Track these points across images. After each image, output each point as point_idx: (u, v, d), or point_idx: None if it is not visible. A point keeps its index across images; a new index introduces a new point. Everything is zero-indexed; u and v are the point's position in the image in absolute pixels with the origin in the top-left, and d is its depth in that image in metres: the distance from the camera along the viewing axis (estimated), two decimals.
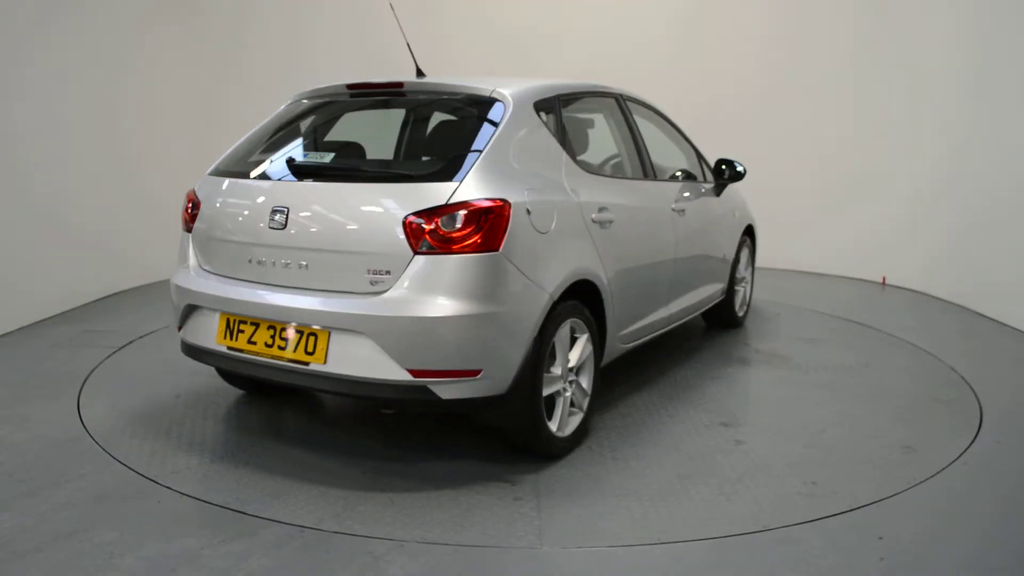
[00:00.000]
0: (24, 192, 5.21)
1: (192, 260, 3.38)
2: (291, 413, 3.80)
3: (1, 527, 2.68)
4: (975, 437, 3.64)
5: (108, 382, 4.18)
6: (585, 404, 3.44)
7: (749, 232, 5.56)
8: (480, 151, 3.02)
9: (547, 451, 3.25)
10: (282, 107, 3.67)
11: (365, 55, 3.98)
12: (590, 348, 3.42)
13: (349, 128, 3.58)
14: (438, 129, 3.26)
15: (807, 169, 7.27)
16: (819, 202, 7.23)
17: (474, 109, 3.27)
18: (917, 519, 2.89)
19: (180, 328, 3.39)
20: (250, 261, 3.14)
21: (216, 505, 2.86)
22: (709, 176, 4.90)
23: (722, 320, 5.41)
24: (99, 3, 5.94)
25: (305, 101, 3.63)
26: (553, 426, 3.22)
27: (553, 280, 3.08)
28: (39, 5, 5.31)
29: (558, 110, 3.49)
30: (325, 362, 2.92)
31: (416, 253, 2.84)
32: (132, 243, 6.20)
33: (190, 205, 3.41)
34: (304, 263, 3.01)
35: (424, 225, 2.83)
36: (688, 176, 4.71)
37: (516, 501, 2.94)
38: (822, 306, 6.16)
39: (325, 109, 3.60)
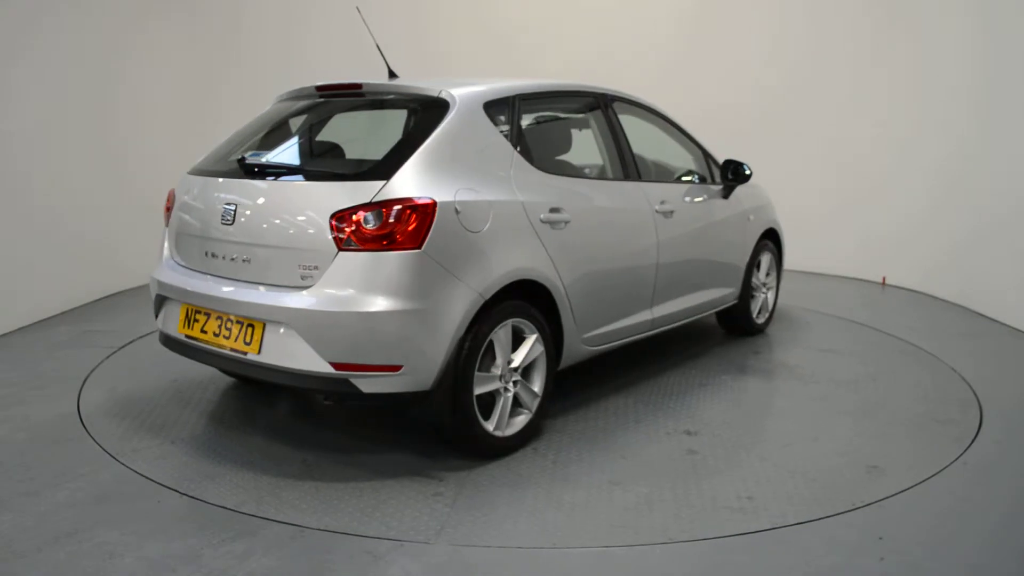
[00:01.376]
0: (21, 194, 5.20)
1: (166, 253, 3.60)
2: (271, 402, 3.95)
3: (1, 527, 2.70)
4: (975, 437, 3.60)
5: (108, 382, 4.19)
6: (535, 405, 3.43)
7: (772, 236, 5.34)
8: (414, 150, 3.08)
9: (483, 450, 3.26)
10: (267, 108, 3.85)
11: (358, 55, 4.09)
12: (540, 349, 3.41)
13: (320, 128, 3.71)
14: (384, 129, 3.34)
15: (811, 171, 7.27)
16: (823, 203, 7.18)
17: (421, 110, 3.33)
18: (917, 519, 2.86)
19: (157, 317, 3.62)
20: (206, 254, 3.32)
21: (216, 505, 2.86)
22: (718, 178, 4.75)
23: (738, 327, 5.22)
24: (92, 3, 5.90)
25: (284, 102, 3.80)
26: (490, 425, 3.23)
27: (484, 279, 3.09)
28: (30, 6, 5.24)
29: (515, 110, 3.48)
30: (260, 352, 3.05)
31: (340, 250, 2.92)
32: (129, 244, 6.07)
33: (168, 202, 3.64)
34: (247, 257, 3.15)
35: (348, 222, 2.91)
36: (697, 178, 4.59)
37: (435, 496, 2.97)
38: (850, 313, 5.97)
39: (300, 109, 3.74)
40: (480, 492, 3.01)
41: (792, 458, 3.35)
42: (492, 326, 3.17)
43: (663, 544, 2.66)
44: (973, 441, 3.54)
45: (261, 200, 3.17)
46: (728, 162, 4.73)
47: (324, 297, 2.91)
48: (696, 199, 4.49)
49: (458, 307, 3.02)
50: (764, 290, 5.34)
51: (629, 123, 4.32)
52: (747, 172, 4.70)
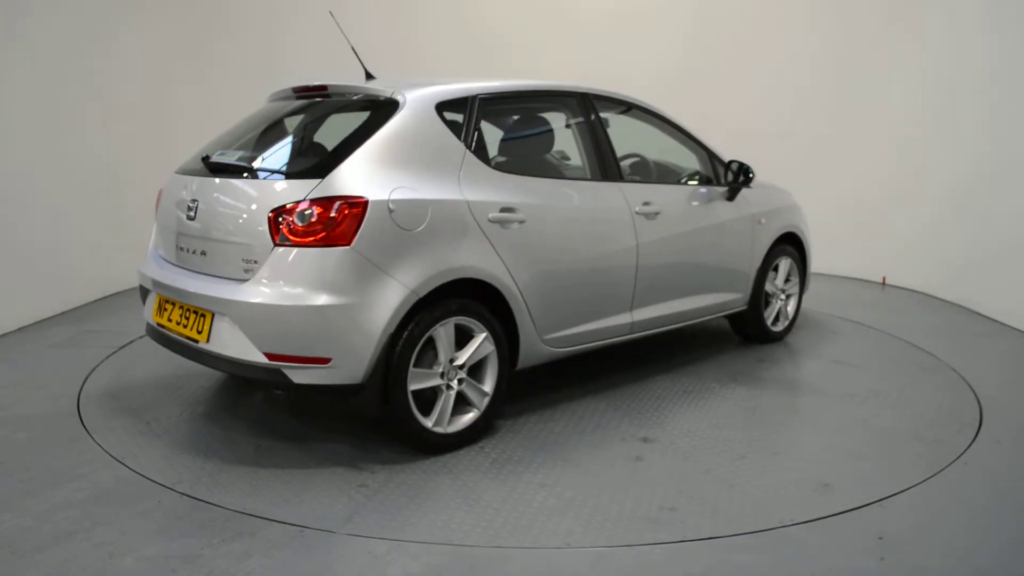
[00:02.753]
0: (19, 194, 5.19)
1: (151, 246, 3.84)
2: (263, 394, 4.07)
3: (1, 527, 2.70)
4: (975, 437, 3.59)
5: (108, 382, 4.21)
6: (484, 403, 3.44)
7: (792, 241, 5.10)
8: (354, 149, 3.16)
9: (421, 445, 3.30)
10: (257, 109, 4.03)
11: (349, 55, 4.21)
12: (490, 348, 3.41)
13: (291, 127, 3.84)
14: (336, 129, 3.43)
15: (817, 172, 7.14)
16: (828, 204, 6.96)
17: (372, 110, 3.40)
18: (918, 519, 2.87)
19: (144, 306, 3.86)
20: (177, 248, 3.52)
21: (217, 505, 2.88)
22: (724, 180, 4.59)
23: (750, 334, 5.03)
24: (72, 4, 5.76)
25: (271, 103, 3.96)
26: (429, 421, 3.27)
27: (418, 277, 3.13)
28: (5, 7, 5.11)
29: (472, 110, 3.50)
30: (208, 341, 3.21)
31: (276, 245, 3.04)
32: (129, 243, 5.63)
33: (157, 199, 3.88)
34: (204, 251, 3.33)
35: (282, 219, 3.03)
36: (698, 180, 4.47)
37: (360, 487, 3.04)
38: (872, 319, 5.75)
39: (279, 109, 3.88)
40: (404, 486, 3.05)
41: (739, 471, 3.21)
42: (431, 323, 3.20)
43: (561, 548, 2.63)
44: (972, 441, 3.53)
45: (216, 196, 3.34)
46: (732, 163, 4.56)
47: (258, 290, 3.04)
48: (691, 201, 4.35)
49: (389, 303, 3.07)
50: (782, 297, 5.11)
51: (623, 124, 4.25)
52: (750, 175, 4.52)
